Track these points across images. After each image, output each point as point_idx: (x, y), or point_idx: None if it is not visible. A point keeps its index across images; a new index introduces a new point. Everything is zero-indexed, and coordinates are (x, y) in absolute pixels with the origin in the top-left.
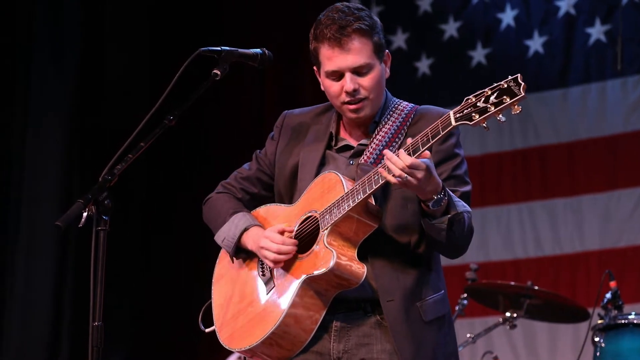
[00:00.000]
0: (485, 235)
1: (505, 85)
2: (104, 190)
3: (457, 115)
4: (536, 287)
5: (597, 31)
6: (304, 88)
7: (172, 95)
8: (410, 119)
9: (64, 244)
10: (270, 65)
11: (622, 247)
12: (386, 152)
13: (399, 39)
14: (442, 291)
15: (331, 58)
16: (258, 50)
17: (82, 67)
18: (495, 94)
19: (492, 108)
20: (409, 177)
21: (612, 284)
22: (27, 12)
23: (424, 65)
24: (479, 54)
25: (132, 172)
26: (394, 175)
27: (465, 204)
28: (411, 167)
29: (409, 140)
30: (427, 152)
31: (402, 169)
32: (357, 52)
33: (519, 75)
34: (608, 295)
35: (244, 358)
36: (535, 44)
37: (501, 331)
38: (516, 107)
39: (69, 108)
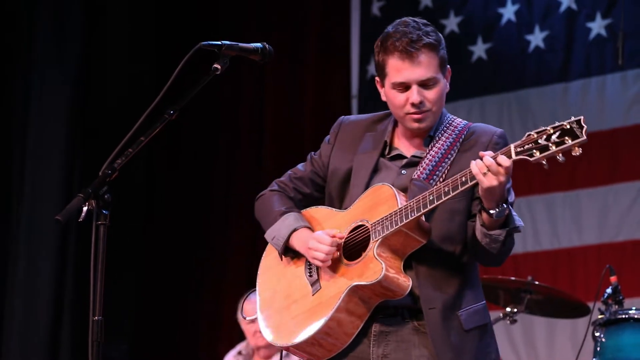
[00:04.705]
0: None
1: (568, 126)
2: (104, 184)
3: (518, 149)
4: (537, 282)
5: (597, 26)
6: (304, 87)
7: (173, 90)
8: (463, 135)
9: (65, 239)
10: (271, 60)
11: (621, 241)
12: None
13: None
14: (483, 302)
15: (400, 70)
16: (259, 44)
17: (84, 61)
18: (557, 133)
19: (554, 147)
20: (502, 178)
21: (613, 278)
22: (28, 4)
23: None
24: (479, 49)
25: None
26: (484, 174)
27: (519, 219)
28: (507, 170)
29: (483, 153)
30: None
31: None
32: (425, 66)
33: (582, 117)
34: (608, 290)
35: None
36: (536, 38)
37: (501, 326)
38: (576, 148)
39: (71, 101)
